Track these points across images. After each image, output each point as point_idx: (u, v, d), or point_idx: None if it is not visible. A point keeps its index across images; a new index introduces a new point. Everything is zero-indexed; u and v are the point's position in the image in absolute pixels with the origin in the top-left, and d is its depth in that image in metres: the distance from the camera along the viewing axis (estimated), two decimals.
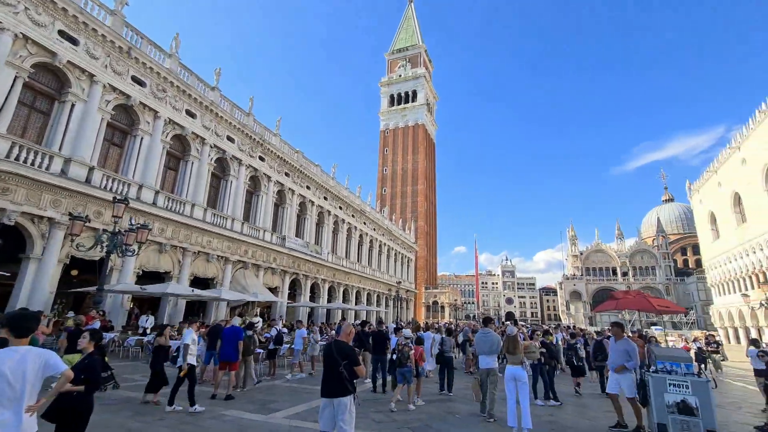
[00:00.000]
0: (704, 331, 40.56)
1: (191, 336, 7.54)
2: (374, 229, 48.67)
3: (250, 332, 9.56)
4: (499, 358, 8.19)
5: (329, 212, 38.10)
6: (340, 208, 40.35)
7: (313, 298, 34.75)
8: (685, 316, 67.91)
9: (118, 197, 11.22)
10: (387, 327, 14.39)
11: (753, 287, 43.26)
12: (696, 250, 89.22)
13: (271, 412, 7.05)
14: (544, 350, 9.32)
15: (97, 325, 9.02)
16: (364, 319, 31.54)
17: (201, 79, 23.88)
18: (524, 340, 9.73)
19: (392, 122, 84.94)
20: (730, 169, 48.27)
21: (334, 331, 19.49)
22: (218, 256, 24.25)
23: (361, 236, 45.19)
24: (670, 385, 5.90)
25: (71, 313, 13.12)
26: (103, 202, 16.94)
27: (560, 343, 12.75)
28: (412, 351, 8.63)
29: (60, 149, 16.32)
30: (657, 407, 5.91)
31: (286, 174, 31.80)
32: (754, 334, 42.84)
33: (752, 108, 44.78)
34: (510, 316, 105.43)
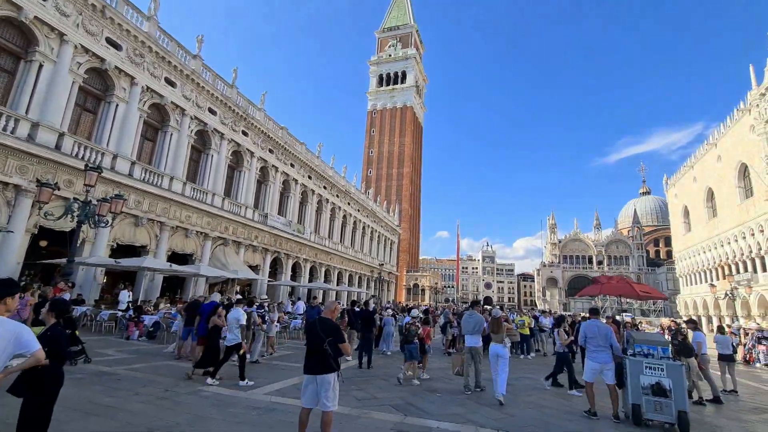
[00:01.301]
0: (672, 319, 42.44)
1: (240, 313, 7.96)
2: (358, 211, 48.41)
3: (250, 309, 9.58)
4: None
5: (313, 191, 37.59)
6: (325, 187, 39.85)
7: (294, 278, 34.54)
8: (654, 304, 70.91)
9: (91, 165, 10.63)
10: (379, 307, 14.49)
11: (718, 278, 45.30)
12: (668, 242, 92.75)
13: (251, 389, 6.93)
14: (573, 338, 9.42)
15: (66, 297, 8.63)
16: (354, 299, 31.52)
17: (182, 45, 22.77)
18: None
19: (380, 103, 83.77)
20: (706, 165, 49.76)
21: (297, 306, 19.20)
22: (197, 231, 23.67)
23: (344, 217, 44.90)
24: (646, 368, 6.04)
25: (48, 284, 12.56)
26: (74, 170, 16.14)
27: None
28: (420, 330, 9.26)
29: (27, 113, 15.36)
30: (632, 389, 6.06)
31: (270, 151, 31.04)
32: (716, 323, 45.15)
33: (730, 106, 46.00)
34: (488, 300, 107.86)
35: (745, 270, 40.49)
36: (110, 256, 18.10)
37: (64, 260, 14.25)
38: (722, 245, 45.57)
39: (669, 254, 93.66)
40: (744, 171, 41.65)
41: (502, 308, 11.77)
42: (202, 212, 23.80)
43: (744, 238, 40.80)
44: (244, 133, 28.04)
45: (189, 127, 23.39)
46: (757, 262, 38.82)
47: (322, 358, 4.24)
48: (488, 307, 10.87)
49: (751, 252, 39.69)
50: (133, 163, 19.57)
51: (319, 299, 34.80)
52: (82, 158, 16.55)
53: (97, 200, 10.97)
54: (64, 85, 16.64)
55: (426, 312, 13.07)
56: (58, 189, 11.85)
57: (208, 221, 24.42)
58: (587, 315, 7.88)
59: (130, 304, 15.71)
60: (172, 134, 22.51)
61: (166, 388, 6.53)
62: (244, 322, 8.08)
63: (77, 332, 8.53)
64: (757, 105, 36.89)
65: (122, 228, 19.36)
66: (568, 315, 18.74)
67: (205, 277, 21.38)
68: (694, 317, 50.76)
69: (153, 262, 16.63)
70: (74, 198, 11.27)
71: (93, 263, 15.95)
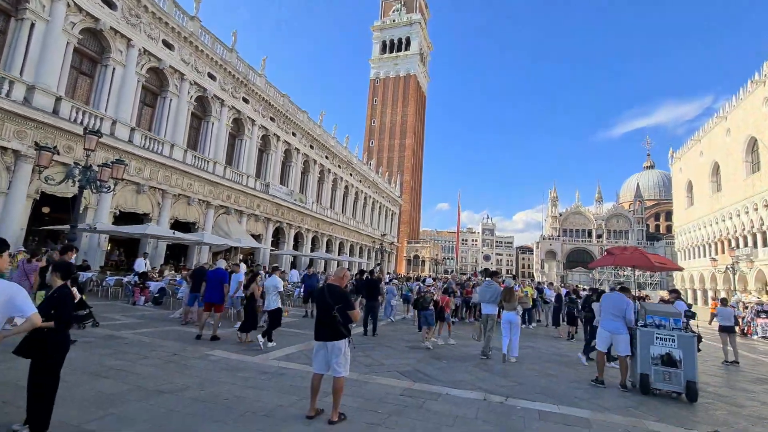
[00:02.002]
0: (669, 291, 42.88)
1: (278, 281, 8.34)
2: (360, 181, 48.05)
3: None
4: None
5: (315, 161, 37.14)
6: (327, 157, 39.34)
7: (296, 247, 34.68)
8: (651, 277, 71.71)
9: (90, 130, 10.32)
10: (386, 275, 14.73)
11: (718, 253, 45.48)
12: (668, 216, 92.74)
13: (259, 354, 6.96)
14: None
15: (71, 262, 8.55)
16: (363, 268, 31.61)
17: (179, 5, 21.79)
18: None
19: (383, 71, 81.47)
20: (714, 139, 48.89)
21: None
22: (199, 200, 23.52)
23: (346, 187, 44.60)
24: (657, 338, 6.01)
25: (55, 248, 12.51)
26: (73, 136, 15.81)
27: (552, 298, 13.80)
28: (435, 296, 9.79)
29: (21, 75, 14.85)
30: (642, 359, 6.05)
31: (272, 119, 30.40)
32: (711, 296, 45.77)
33: (743, 79, 44.63)
34: (486, 272, 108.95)
35: (746, 245, 40.56)
36: (113, 224, 18.06)
37: (67, 226, 14.23)
38: (724, 220, 45.44)
39: (669, 229, 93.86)
40: (753, 145, 40.92)
41: (514, 278, 11.91)
42: (204, 180, 23.57)
43: (747, 212, 40.60)
44: (245, 100, 27.36)
45: (188, 92, 22.77)
46: (759, 236, 38.80)
47: (332, 325, 4.18)
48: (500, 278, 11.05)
49: (753, 227, 39.59)
50: (132, 129, 19.16)
51: (320, 269, 34.99)
52: (81, 123, 16.15)
53: (98, 166, 10.73)
54: (58, 46, 16.03)
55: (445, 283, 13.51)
56: (58, 153, 11.59)
57: (210, 189, 24.22)
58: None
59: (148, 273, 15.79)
60: (171, 100, 21.94)
61: (174, 352, 6.56)
62: (282, 289, 8.45)
63: (84, 296, 8.53)
64: None
65: (124, 195, 19.22)
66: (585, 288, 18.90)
67: (209, 246, 21.39)
68: (690, 290, 51.54)
69: (156, 230, 16.57)
70: (75, 163, 11.04)
71: (96, 230, 15.87)
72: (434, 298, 9.64)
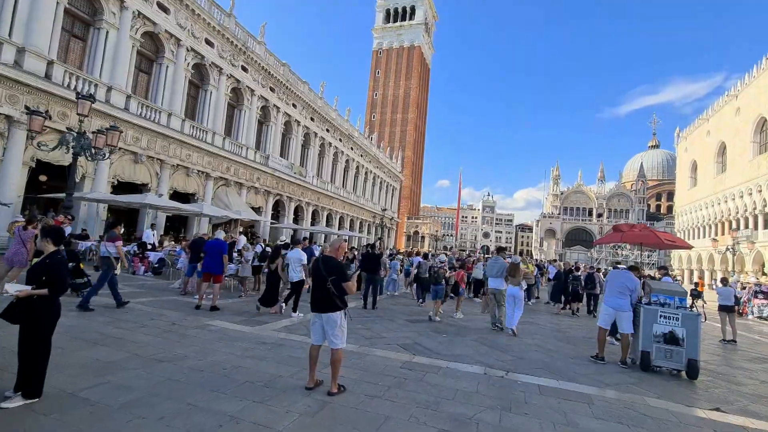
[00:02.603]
0: (671, 270, 43.26)
1: (301, 254, 8.47)
2: (361, 156, 47.50)
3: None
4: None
5: (316, 134, 36.54)
6: (328, 130, 38.71)
7: (296, 221, 34.62)
8: (648, 257, 72.16)
9: (83, 94, 9.98)
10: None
11: (718, 234, 45.53)
12: (670, 196, 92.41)
13: (259, 325, 6.93)
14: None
15: (67, 231, 8.44)
16: (370, 242, 31.56)
17: None
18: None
19: (386, 41, 79.15)
20: (723, 118, 48.03)
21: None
22: (199, 171, 23.25)
23: (347, 161, 44.12)
24: (660, 317, 5.95)
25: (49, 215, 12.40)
26: (67, 102, 15.37)
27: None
28: (448, 273, 10.21)
29: (10, 36, 14.29)
30: (644, 336, 6.01)
31: (271, 89, 29.66)
32: (707, 276, 46.17)
33: (755, 57, 43.44)
34: (486, 249, 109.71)
35: (746, 227, 40.51)
36: (111, 193, 17.90)
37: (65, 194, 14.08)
38: (726, 201, 45.23)
39: (669, 209, 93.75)
40: (762, 125, 40.22)
41: (521, 254, 11.96)
42: (203, 151, 23.22)
43: (750, 194, 40.35)
44: (244, 69, 26.61)
45: (185, 59, 22.08)
46: (760, 218, 38.70)
47: (327, 296, 4.12)
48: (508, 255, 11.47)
49: (755, 208, 39.43)
50: (128, 97, 18.68)
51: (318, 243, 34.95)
52: (74, 89, 15.68)
53: (93, 132, 10.44)
54: (47, 5, 15.35)
55: (425, 256, 13.62)
56: (50, 118, 11.28)
57: (209, 161, 23.90)
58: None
59: (156, 245, 15.73)
60: (167, 67, 21.30)
61: (173, 321, 6.51)
62: (305, 261, 8.47)
63: (82, 265, 8.46)
64: None
65: (122, 164, 18.95)
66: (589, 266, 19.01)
67: (208, 217, 21.28)
68: (687, 270, 51.90)
69: (155, 200, 16.41)
70: (68, 129, 10.74)
71: (93, 198, 15.74)
72: (446, 275, 10.00)
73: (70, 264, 8.27)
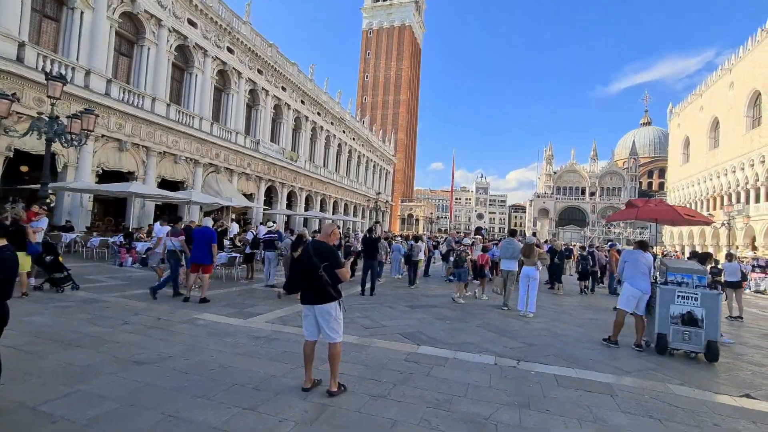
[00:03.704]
0: (662, 247, 43.57)
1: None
2: (353, 139, 46.65)
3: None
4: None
5: (307, 118, 35.63)
6: (319, 114, 37.77)
7: (290, 207, 34.04)
8: (641, 234, 72.60)
9: (53, 75, 9.27)
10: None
11: (712, 209, 45.71)
12: (662, 173, 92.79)
13: (250, 317, 6.51)
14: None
15: (43, 222, 7.90)
16: (370, 227, 31.18)
17: None
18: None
19: (376, 21, 77.14)
20: (716, 93, 47.71)
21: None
22: (187, 157, 22.51)
23: (339, 145, 43.30)
24: (678, 297, 5.61)
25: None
26: (42, 87, 14.45)
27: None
28: (469, 256, 10.48)
29: None
30: (660, 318, 5.69)
31: (259, 71, 28.64)
32: (688, 252, 46.56)
33: (748, 30, 42.85)
34: (478, 230, 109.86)
35: (738, 201, 40.65)
36: (96, 183, 17.20)
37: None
38: (719, 176, 45.30)
39: (661, 186, 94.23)
40: (756, 99, 39.95)
41: (535, 234, 11.81)
42: (190, 137, 22.44)
43: (742, 168, 40.38)
44: (230, 50, 25.57)
45: (168, 41, 21.06)
46: (752, 193, 38.81)
47: (319, 286, 3.69)
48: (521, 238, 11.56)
49: (747, 183, 39.51)
50: (109, 81, 17.80)
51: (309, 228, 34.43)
52: (50, 73, 14.81)
53: (67, 117, 9.77)
54: None
55: (416, 238, 13.95)
56: (18, 101, 10.55)
57: (197, 147, 23.14)
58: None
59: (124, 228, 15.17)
60: (149, 48, 20.31)
61: (159, 316, 6.07)
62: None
63: (61, 258, 7.96)
64: None
65: (105, 153, 18.21)
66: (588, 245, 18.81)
67: (199, 205, 20.66)
68: (678, 246, 52.33)
69: (141, 188, 15.75)
70: (38, 114, 10.05)
71: (76, 188, 15.07)
72: (467, 257, 10.30)
73: (48, 257, 7.77)
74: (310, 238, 8.72)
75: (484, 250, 11.09)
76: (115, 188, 14.46)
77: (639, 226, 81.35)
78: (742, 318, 9.70)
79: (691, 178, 52.96)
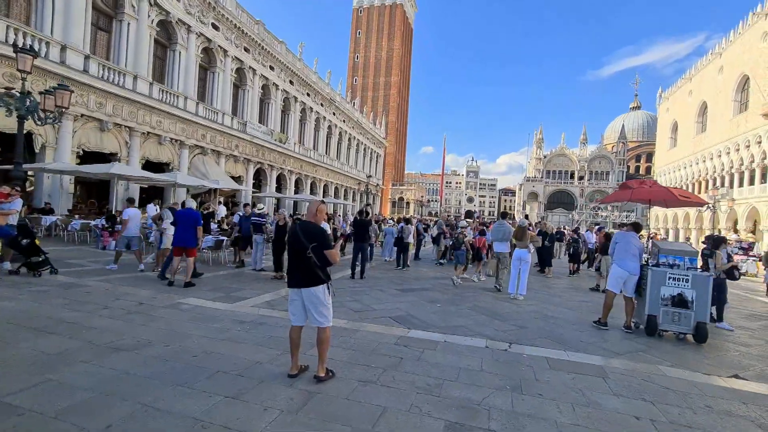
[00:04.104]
0: (648, 231, 44.28)
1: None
2: (344, 121, 45.91)
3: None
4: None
5: (296, 99, 34.83)
6: (308, 95, 36.94)
7: (279, 189, 33.58)
8: (627, 217, 73.79)
9: (22, 47, 8.74)
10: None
11: (698, 192, 46.38)
12: (649, 158, 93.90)
13: (237, 301, 6.34)
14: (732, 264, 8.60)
15: (17, 204, 7.53)
16: (361, 209, 30.86)
17: None
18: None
19: None
20: (705, 78, 47.83)
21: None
22: (172, 138, 21.89)
23: (329, 128, 42.59)
24: (669, 278, 5.59)
25: None
26: (14, 62, 13.79)
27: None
28: (467, 238, 10.51)
29: None
30: (651, 300, 5.67)
31: (246, 49, 27.73)
32: (683, 235, 47.53)
33: (740, 13, 42.82)
34: (469, 213, 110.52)
35: (722, 185, 41.27)
36: (78, 164, 16.62)
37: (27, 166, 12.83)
38: (704, 160, 45.84)
39: (648, 170, 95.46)
40: (744, 84, 40.12)
41: (527, 217, 12.02)
42: (174, 117, 21.77)
43: (728, 153, 40.86)
44: (215, 27, 24.63)
45: (148, 15, 20.15)
46: (736, 177, 39.41)
47: (307, 268, 3.52)
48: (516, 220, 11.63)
49: (732, 167, 40.07)
50: (87, 57, 17.03)
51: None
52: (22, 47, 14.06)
53: (40, 93, 9.27)
54: None
55: (407, 221, 13.97)
56: None
57: (183, 128, 22.48)
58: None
59: (107, 211, 14.73)
60: (129, 24, 19.42)
61: (140, 301, 5.85)
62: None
63: (38, 241, 7.64)
64: None
65: (86, 133, 17.57)
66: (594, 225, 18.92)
67: (186, 188, 20.16)
68: (663, 229, 53.26)
69: (123, 169, 15.24)
70: (6, 88, 9.52)
71: (54, 169, 14.53)
72: (465, 240, 10.35)
73: (25, 240, 7.45)
74: (289, 221, 8.58)
75: (482, 233, 11.22)
76: (95, 169, 13.96)
77: (626, 209, 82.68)
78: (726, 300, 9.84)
79: (677, 162, 53.53)
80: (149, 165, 20.74)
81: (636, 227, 6.16)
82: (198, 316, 5.26)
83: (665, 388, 3.78)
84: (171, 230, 8.32)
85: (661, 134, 62.91)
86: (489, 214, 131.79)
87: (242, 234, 10.55)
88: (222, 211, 17.76)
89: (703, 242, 7.46)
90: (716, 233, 19.27)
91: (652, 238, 6.62)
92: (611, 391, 3.62)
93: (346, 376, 3.59)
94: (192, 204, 7.68)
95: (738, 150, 39.04)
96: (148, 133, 20.49)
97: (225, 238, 11.09)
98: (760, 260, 20.32)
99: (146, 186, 20.64)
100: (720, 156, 42.42)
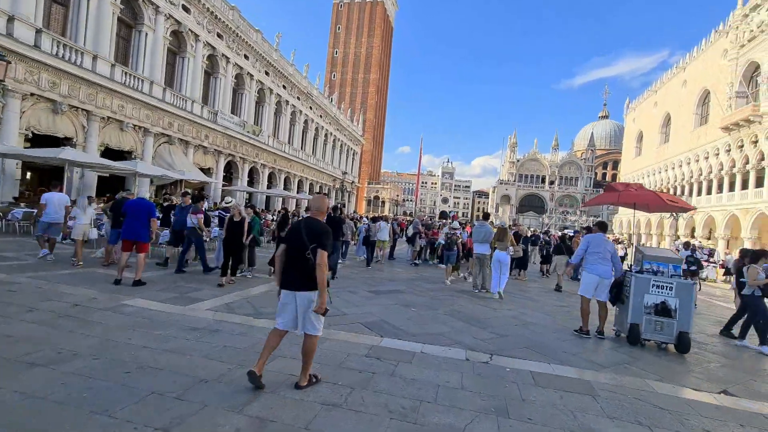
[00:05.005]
0: (614, 234, 45.76)
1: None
2: (321, 116, 44.96)
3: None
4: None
5: (271, 90, 33.71)
6: (284, 87, 35.85)
7: (252, 184, 32.42)
8: (592, 222, 76.24)
9: None
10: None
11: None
12: (615, 165, 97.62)
13: (192, 303, 5.69)
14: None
15: None
16: (335, 204, 30.01)
17: None
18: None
19: None
20: (670, 90, 49.79)
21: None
22: (135, 125, 20.56)
23: (306, 122, 41.58)
24: (653, 286, 5.39)
25: None
26: None
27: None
28: (460, 239, 10.73)
29: None
30: (634, 308, 5.46)
31: (219, 36, 26.49)
32: (644, 240, 49.48)
33: (702, 31, 44.87)
34: (443, 214, 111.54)
35: (683, 193, 43.13)
36: (26, 147, 15.23)
37: None
38: (667, 170, 47.79)
39: (614, 177, 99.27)
40: (705, 98, 41.97)
41: (478, 219, 11.77)
42: (139, 102, 20.44)
43: (689, 163, 42.70)
44: (185, 9, 23.35)
45: None
46: (695, 186, 41.28)
47: (304, 269, 3.23)
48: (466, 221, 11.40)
49: (692, 177, 41.92)
50: (39, 31, 15.62)
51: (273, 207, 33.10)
52: None
53: None
54: None
55: (374, 219, 14.09)
56: None
57: (147, 114, 21.16)
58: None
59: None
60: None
61: (76, 302, 5.10)
62: None
63: None
64: (737, 27, 35.68)
65: (36, 114, 16.14)
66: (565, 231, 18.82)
67: (149, 178, 18.92)
68: (626, 234, 55.23)
69: (77, 155, 14.04)
70: None
71: None
72: (458, 241, 10.53)
73: None
74: (247, 217, 7.84)
75: (471, 235, 11.27)
76: (44, 153, 12.76)
77: (593, 214, 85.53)
78: (695, 306, 9.96)
79: (642, 171, 55.58)
80: (110, 152, 19.38)
81: (602, 227, 6.02)
82: (142, 321, 4.59)
83: (659, 408, 3.48)
84: (81, 219, 8.07)
85: (627, 143, 65.22)
86: (463, 215, 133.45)
87: (173, 228, 8.89)
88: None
89: (741, 256, 7.10)
90: (686, 240, 19.82)
91: (636, 246, 6.44)
92: (604, 413, 3.28)
93: (307, 398, 3.07)
94: (145, 194, 6.93)
95: (698, 161, 40.84)
96: (109, 118, 19.13)
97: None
98: (721, 267, 21.16)
99: (107, 175, 19.25)
100: (681, 166, 44.28)
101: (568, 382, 3.90)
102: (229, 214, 8.06)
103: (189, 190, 24.03)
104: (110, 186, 21.92)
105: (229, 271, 7.41)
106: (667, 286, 5.36)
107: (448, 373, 3.84)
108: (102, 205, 11.23)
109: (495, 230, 9.16)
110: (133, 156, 20.43)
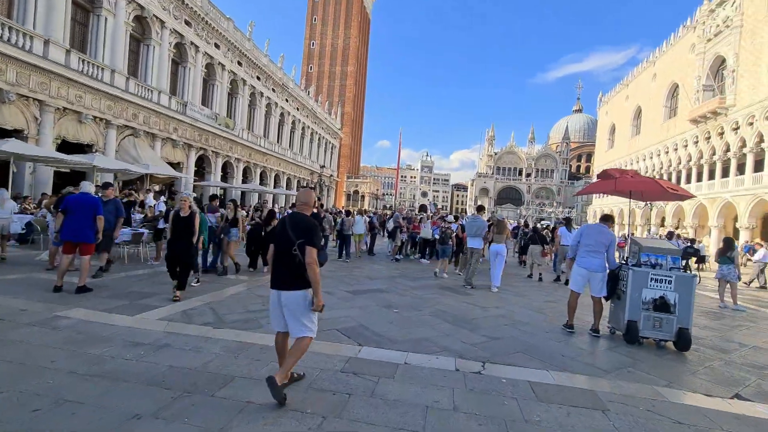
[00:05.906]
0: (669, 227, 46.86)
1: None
2: (297, 109, 43.75)
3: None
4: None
5: (245, 81, 32.40)
6: (258, 78, 34.56)
7: (225, 179, 31.16)
8: (569, 213, 78.05)
9: None
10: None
11: None
12: (589, 157, 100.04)
13: (143, 311, 4.97)
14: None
15: None
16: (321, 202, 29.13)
17: None
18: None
19: None
20: (640, 84, 50.88)
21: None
22: (96, 117, 19.19)
23: (282, 115, 40.33)
24: (652, 280, 5.03)
25: None
26: None
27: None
28: (454, 233, 10.66)
29: None
30: (631, 303, 5.08)
31: (187, 23, 25.10)
32: (617, 230, 50.68)
33: (672, 26, 46.10)
34: (423, 207, 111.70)
35: None
36: None
37: None
38: (638, 161, 48.93)
39: (588, 169, 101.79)
40: (674, 91, 43.01)
41: (480, 209, 11.43)
42: (99, 93, 19.08)
43: (659, 155, 43.81)
44: None
45: None
46: (665, 177, 42.34)
47: (290, 266, 3.07)
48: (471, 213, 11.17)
49: (662, 168, 43.04)
50: None
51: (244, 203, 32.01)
52: None
53: None
54: None
55: (348, 213, 13.67)
56: None
57: (109, 105, 19.80)
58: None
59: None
60: None
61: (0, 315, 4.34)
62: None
63: None
64: (704, 22, 36.56)
65: None
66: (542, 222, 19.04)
67: (113, 173, 17.66)
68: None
69: (25, 148, 12.79)
70: None
71: None
72: (452, 235, 10.45)
73: None
74: (197, 209, 6.93)
75: (464, 229, 10.87)
76: None
77: (568, 205, 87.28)
78: None
79: (614, 163, 56.76)
80: (68, 146, 18.00)
81: (606, 220, 5.65)
82: (76, 338, 3.87)
83: (677, 423, 3.05)
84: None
85: (600, 136, 66.58)
86: (442, 208, 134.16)
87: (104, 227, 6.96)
88: (150, 200, 15.70)
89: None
90: (669, 230, 19.99)
91: (631, 236, 6.13)
92: None
93: (269, 430, 2.49)
94: (89, 189, 6.11)
95: (668, 152, 41.91)
96: (65, 108, 17.76)
97: (145, 231, 9.41)
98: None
99: (68, 171, 17.88)
100: (652, 157, 45.38)
101: (572, 394, 3.44)
102: (175, 209, 6.43)
103: (158, 186, 22.82)
104: (72, 183, 20.47)
105: (176, 284, 5.82)
106: (666, 280, 5.01)
107: (437, 390, 3.32)
108: (47, 201, 10.21)
109: (489, 223, 9.26)
110: (94, 150, 19.08)
